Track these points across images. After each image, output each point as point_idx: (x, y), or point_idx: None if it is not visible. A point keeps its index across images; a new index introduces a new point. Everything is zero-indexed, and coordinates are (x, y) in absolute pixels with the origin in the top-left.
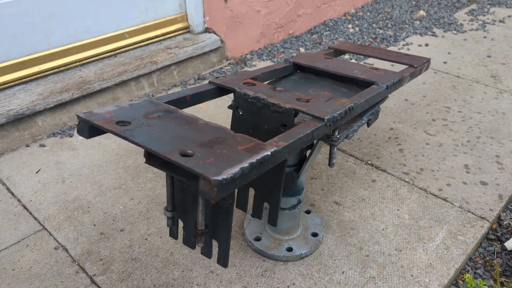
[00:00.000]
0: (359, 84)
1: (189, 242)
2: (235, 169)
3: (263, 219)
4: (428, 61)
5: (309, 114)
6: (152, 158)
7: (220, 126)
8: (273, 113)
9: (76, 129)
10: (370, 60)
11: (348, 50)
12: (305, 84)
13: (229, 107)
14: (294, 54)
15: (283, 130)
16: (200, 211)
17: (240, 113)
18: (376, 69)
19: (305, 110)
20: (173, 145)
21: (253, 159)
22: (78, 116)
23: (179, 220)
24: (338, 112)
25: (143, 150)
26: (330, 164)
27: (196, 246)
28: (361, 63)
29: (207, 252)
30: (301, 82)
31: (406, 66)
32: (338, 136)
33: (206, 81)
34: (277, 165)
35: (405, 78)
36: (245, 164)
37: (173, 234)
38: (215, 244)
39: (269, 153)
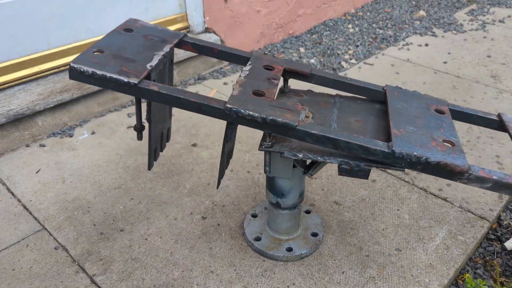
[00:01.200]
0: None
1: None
2: (90, 69)
3: (263, 219)
4: None
5: (228, 102)
6: None
7: (158, 57)
8: None
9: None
10: None
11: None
12: (365, 112)
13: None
14: (295, 54)
15: None
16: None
17: None
18: (451, 143)
19: (232, 94)
20: (106, 49)
21: (109, 74)
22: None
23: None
24: (251, 112)
25: (141, 150)
26: (264, 170)
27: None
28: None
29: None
30: (366, 109)
31: None
32: (269, 143)
33: (207, 81)
34: (226, 136)
35: (457, 172)
36: (99, 72)
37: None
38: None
39: (128, 80)
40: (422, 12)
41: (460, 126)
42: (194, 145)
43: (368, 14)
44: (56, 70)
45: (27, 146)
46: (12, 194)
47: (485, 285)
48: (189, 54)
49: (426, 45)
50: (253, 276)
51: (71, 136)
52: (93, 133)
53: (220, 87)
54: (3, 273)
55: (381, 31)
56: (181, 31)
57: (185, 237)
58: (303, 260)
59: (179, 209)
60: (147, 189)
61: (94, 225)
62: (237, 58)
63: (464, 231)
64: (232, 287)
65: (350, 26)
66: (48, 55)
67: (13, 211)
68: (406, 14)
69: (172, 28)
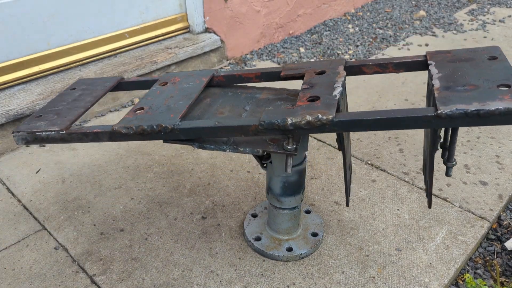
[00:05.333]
0: (212, 81)
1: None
2: None
3: (263, 219)
4: None
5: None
6: None
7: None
8: None
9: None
10: None
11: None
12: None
13: (287, 151)
14: (295, 54)
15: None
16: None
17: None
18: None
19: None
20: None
21: None
22: None
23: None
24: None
25: (141, 150)
26: None
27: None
28: None
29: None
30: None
31: None
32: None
33: None
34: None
35: None
36: None
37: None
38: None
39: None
40: (422, 12)
41: (460, 127)
42: None
43: (368, 14)
44: (56, 70)
45: (27, 146)
46: (12, 194)
47: (485, 285)
48: (188, 54)
49: (426, 45)
50: (253, 276)
51: None
52: None
53: None
54: (3, 273)
55: (381, 31)
56: (181, 31)
57: (185, 237)
58: (303, 260)
59: (179, 209)
60: (147, 189)
61: (94, 225)
62: None
63: (464, 231)
64: (232, 287)
65: (350, 26)
66: (48, 55)
67: (13, 211)
68: (406, 14)
69: (172, 28)
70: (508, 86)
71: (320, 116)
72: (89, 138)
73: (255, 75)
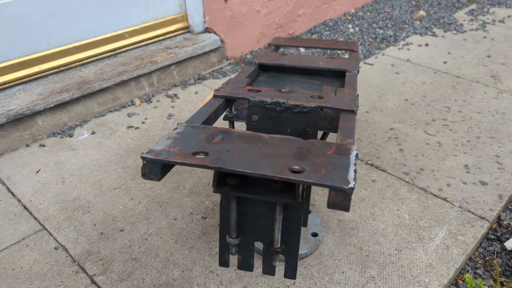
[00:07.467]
0: (328, 74)
1: (248, 265)
2: (352, 175)
3: None
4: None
5: (335, 108)
6: (222, 185)
7: (288, 138)
8: (296, 114)
9: (143, 169)
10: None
11: (284, 43)
12: (275, 83)
13: (225, 118)
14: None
15: (308, 130)
16: (278, 228)
17: (255, 121)
18: (333, 58)
19: (330, 105)
20: (270, 164)
21: (351, 162)
22: (144, 158)
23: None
24: (356, 102)
25: (141, 150)
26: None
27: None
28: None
29: (271, 270)
30: (272, 82)
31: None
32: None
33: (207, 81)
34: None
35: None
36: (353, 168)
37: (225, 263)
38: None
39: (356, 152)
40: (422, 12)
41: (460, 126)
42: None
43: (368, 14)
44: (56, 70)
45: (27, 146)
46: (12, 194)
47: (485, 285)
48: (188, 54)
49: (426, 45)
50: (253, 276)
51: (71, 136)
52: (93, 133)
53: None
54: (3, 273)
55: (381, 31)
56: (181, 31)
57: (185, 237)
58: (303, 260)
59: (179, 209)
60: (147, 189)
61: (94, 225)
62: (223, 105)
63: (464, 231)
64: (232, 287)
65: (350, 26)
66: (48, 55)
67: (13, 211)
68: (406, 14)
69: (172, 28)
70: None
71: (223, 93)
72: None
73: None
